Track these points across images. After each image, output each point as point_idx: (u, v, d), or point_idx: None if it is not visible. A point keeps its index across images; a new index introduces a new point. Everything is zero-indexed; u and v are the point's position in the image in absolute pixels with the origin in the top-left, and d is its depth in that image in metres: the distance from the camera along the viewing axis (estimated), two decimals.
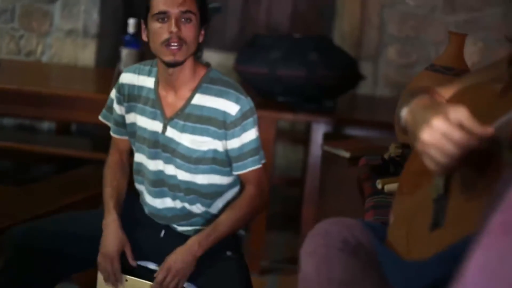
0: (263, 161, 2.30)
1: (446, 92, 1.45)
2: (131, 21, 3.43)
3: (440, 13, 4.40)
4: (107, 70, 4.44)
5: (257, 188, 2.28)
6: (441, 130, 1.20)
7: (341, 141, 2.76)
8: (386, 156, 2.31)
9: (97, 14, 4.42)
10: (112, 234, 2.26)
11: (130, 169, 2.44)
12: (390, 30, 4.46)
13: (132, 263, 2.28)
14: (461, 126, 1.20)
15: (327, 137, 3.03)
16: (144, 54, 3.47)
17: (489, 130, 1.20)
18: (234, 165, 2.26)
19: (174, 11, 2.13)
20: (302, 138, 4.39)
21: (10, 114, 4.12)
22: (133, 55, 3.40)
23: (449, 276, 1.17)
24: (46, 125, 4.54)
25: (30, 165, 4.56)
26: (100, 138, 4.48)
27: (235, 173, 2.28)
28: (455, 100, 1.39)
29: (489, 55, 4.34)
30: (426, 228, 1.28)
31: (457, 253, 1.14)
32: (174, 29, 2.12)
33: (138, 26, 3.43)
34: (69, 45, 4.44)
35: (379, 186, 2.13)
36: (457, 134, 1.19)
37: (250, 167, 2.26)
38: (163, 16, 2.14)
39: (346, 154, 2.58)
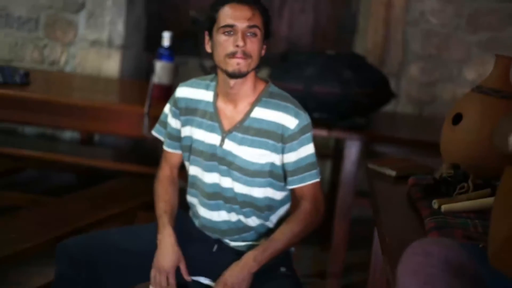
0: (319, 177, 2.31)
1: None
2: (166, 34, 3.42)
3: (462, 32, 4.44)
4: (131, 81, 4.45)
5: (312, 204, 2.28)
6: None
7: (385, 160, 2.77)
8: (437, 176, 2.32)
9: (122, 25, 4.42)
10: (168, 249, 2.26)
11: None
12: (413, 48, 4.49)
13: (187, 278, 2.28)
14: None
15: (364, 155, 3.05)
16: (178, 67, 3.47)
17: None
18: (290, 179, 2.27)
19: (242, 25, 2.14)
20: (329, 154, 4.39)
21: (33, 123, 4.09)
22: (167, 68, 3.40)
23: None
24: (68, 134, 4.52)
25: (51, 174, 4.55)
26: (122, 150, 4.49)
27: (290, 187, 2.29)
28: None
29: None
30: None
31: None
32: (240, 43, 2.13)
33: (172, 40, 3.44)
34: (93, 55, 4.44)
35: (435, 206, 2.13)
36: None
37: (308, 181, 2.27)
38: (229, 30, 2.15)
39: (392, 173, 2.58)
